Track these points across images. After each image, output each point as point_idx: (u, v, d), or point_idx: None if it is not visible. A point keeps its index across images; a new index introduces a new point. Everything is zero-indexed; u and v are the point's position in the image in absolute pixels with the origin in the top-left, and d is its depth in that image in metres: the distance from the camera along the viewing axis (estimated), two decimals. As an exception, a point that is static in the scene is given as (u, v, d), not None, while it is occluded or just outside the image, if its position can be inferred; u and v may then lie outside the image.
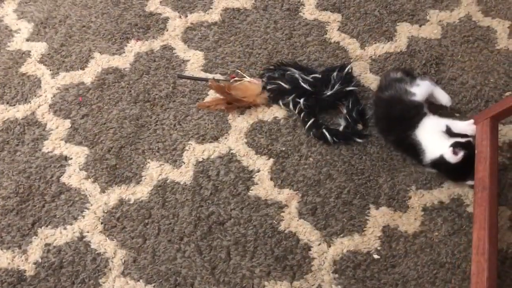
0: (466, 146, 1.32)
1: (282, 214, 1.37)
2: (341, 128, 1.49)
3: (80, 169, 1.46)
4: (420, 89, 1.43)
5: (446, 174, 1.39)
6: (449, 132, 1.38)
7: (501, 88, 1.55)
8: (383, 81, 1.52)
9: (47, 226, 1.37)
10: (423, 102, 1.43)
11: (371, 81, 1.59)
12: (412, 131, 1.38)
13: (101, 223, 1.37)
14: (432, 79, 1.54)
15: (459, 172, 1.36)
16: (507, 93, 1.54)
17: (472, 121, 1.37)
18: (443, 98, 1.49)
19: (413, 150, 1.39)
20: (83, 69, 1.66)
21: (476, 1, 1.75)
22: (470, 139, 1.34)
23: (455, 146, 1.31)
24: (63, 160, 1.48)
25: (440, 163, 1.35)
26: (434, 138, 1.37)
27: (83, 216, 1.38)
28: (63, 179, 1.45)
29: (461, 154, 1.30)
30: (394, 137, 1.44)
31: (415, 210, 1.36)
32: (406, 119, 1.40)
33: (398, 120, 1.42)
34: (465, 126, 1.37)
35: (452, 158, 1.31)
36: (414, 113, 1.40)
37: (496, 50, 1.63)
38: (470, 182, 1.35)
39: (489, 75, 1.58)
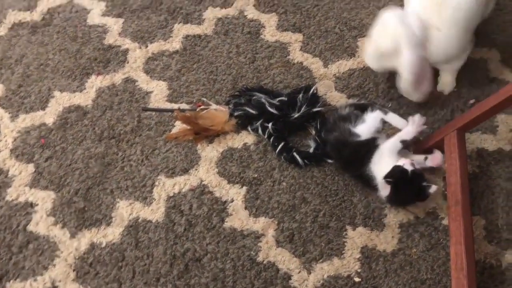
0: (399, 171, 1.28)
1: (259, 244, 1.34)
2: (311, 150, 1.47)
3: (48, 215, 1.41)
4: (366, 126, 1.37)
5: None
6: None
7: (464, 96, 1.57)
8: (329, 119, 1.46)
9: (15, 279, 1.31)
10: (375, 134, 1.37)
11: (337, 99, 1.58)
12: (366, 167, 1.34)
13: (73, 271, 1.32)
14: (382, 107, 1.48)
15: (399, 197, 1.33)
16: (471, 101, 1.56)
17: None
18: (398, 123, 1.43)
19: (372, 185, 1.36)
20: (44, 110, 1.61)
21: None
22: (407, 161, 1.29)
23: (386, 177, 1.28)
24: (28, 207, 1.43)
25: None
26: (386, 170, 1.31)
27: (54, 265, 1.33)
28: (30, 227, 1.39)
29: (388, 187, 1.28)
30: (350, 174, 1.42)
31: (392, 227, 1.35)
32: (356, 160, 1.36)
33: (348, 161, 1.39)
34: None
35: (384, 191, 1.30)
36: (364, 151, 1.35)
37: (457, 59, 1.65)
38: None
39: (452, 84, 1.60)
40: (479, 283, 1.25)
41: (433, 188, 1.27)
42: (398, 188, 1.29)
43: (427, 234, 1.34)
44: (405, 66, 1.39)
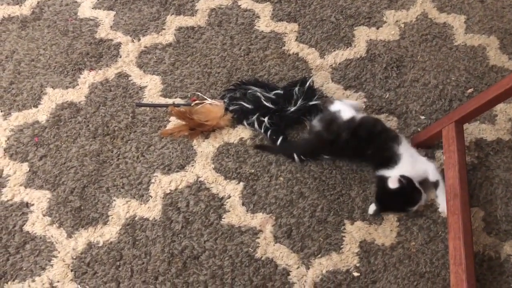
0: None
1: (257, 240, 1.34)
2: (308, 144, 1.46)
3: (44, 215, 1.40)
4: (347, 108, 1.41)
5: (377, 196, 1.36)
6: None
7: (462, 85, 1.55)
8: (329, 127, 1.39)
9: (13, 280, 1.31)
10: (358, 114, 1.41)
11: (334, 90, 1.56)
12: (395, 142, 1.35)
13: (71, 271, 1.32)
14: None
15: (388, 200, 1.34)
16: (469, 90, 1.54)
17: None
18: (352, 103, 1.49)
19: (386, 160, 1.35)
20: (37, 107, 1.59)
21: (431, -3, 1.74)
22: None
23: (403, 177, 1.30)
24: (24, 207, 1.41)
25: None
26: (415, 157, 1.36)
27: (52, 265, 1.32)
28: (27, 227, 1.38)
29: (396, 185, 1.28)
30: (372, 151, 1.37)
31: (390, 221, 1.35)
32: (367, 138, 1.36)
33: (365, 141, 1.36)
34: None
35: (392, 183, 1.29)
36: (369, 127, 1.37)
37: (455, 47, 1.63)
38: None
39: (450, 73, 1.58)
40: (478, 276, 1.25)
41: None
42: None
43: (425, 227, 1.33)
44: None
